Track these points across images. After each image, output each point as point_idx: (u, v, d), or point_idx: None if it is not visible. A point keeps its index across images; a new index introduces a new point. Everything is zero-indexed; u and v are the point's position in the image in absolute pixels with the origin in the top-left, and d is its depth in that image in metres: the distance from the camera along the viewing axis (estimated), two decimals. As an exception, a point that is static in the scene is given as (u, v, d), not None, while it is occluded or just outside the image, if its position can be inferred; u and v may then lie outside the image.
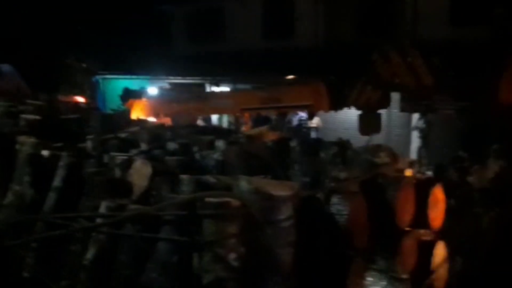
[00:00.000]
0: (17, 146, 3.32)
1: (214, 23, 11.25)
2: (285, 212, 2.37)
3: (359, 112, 7.88)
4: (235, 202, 2.29)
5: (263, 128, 4.74)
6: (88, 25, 11.58)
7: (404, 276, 3.08)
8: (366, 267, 2.73)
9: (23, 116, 3.83)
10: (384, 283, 2.91)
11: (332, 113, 8.69)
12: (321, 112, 8.53)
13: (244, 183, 2.42)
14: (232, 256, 2.24)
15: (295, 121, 8.95)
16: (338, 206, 2.58)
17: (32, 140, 3.26)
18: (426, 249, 3.29)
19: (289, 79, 9.19)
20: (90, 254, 2.48)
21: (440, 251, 3.37)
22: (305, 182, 2.89)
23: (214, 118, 10.02)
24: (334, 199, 2.60)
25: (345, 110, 8.38)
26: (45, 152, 3.22)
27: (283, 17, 10.41)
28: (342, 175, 2.81)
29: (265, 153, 3.29)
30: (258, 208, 2.36)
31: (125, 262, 2.40)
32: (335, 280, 2.54)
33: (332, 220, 2.56)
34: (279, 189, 2.43)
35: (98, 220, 2.54)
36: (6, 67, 5.07)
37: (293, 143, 3.49)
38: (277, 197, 2.37)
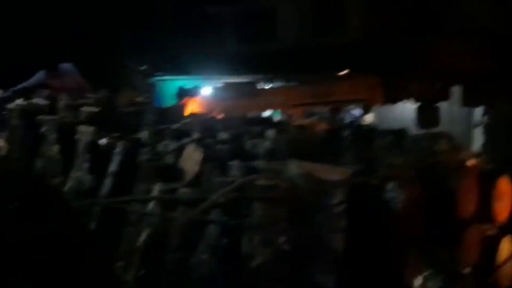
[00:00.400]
0: (77, 135, 3.47)
1: (264, 22, 11.28)
2: (337, 197, 2.30)
3: (416, 105, 7.59)
4: (284, 185, 2.27)
5: (314, 119, 4.69)
6: (144, 29, 11.97)
7: (465, 271, 2.91)
8: (422, 260, 2.60)
9: (83, 108, 4.00)
10: (442, 277, 2.75)
11: (386, 109, 8.45)
12: (375, 108, 8.31)
13: (293, 167, 2.39)
14: (281, 239, 2.21)
15: (347, 118, 8.78)
16: (393, 193, 2.48)
17: (90, 129, 3.40)
18: (491, 244, 3.09)
19: (341, 75, 9.03)
20: (143, 236, 2.54)
21: (506, 247, 3.16)
22: (357, 170, 2.80)
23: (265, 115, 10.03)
24: (389, 186, 2.50)
25: (401, 105, 8.12)
26: (102, 141, 3.35)
27: (333, 13, 10.25)
28: (398, 161, 2.71)
29: (316, 142, 3.25)
30: (308, 192, 2.32)
31: (176, 245, 2.43)
32: (387, 271, 2.44)
33: (386, 208, 2.46)
34: (331, 174, 2.38)
35: (151, 203, 2.59)
36: (67, 66, 5.36)
37: (345, 132, 3.41)
38: (328, 182, 2.31)
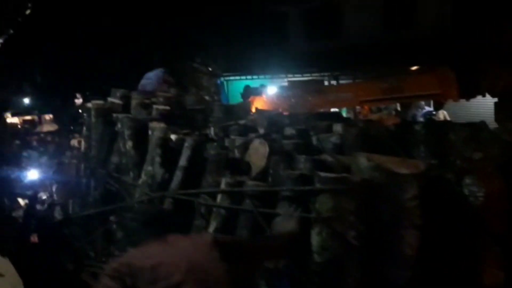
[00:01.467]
0: (149, 132, 3.60)
1: (331, 18, 11.08)
2: (410, 191, 2.20)
3: (495, 100, 7.09)
4: (354, 178, 2.20)
5: (383, 113, 4.51)
6: (210, 30, 12.24)
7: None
8: (504, 256, 2.41)
9: (155, 106, 4.14)
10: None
11: (461, 104, 7.98)
12: (449, 102, 7.86)
13: (363, 160, 2.32)
14: (351, 233, 2.15)
15: (419, 115, 8.36)
16: (472, 188, 2.33)
17: (162, 125, 3.51)
18: None
19: (412, 70, 8.64)
20: (211, 227, 2.58)
21: None
22: (432, 163, 2.66)
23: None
24: (468, 180, 2.35)
25: (477, 99, 7.62)
26: (173, 136, 3.44)
27: (404, 7, 9.83)
28: (477, 155, 2.53)
29: (386, 136, 3.12)
30: (379, 185, 2.23)
31: (244, 236, 2.44)
32: (466, 268, 2.29)
33: (465, 202, 2.31)
34: (403, 167, 2.27)
35: (220, 196, 2.62)
36: (161, 72, 5.64)
37: (417, 126, 3.25)
38: (400, 175, 2.22)
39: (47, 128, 11.89)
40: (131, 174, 3.64)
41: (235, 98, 10.90)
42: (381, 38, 9.61)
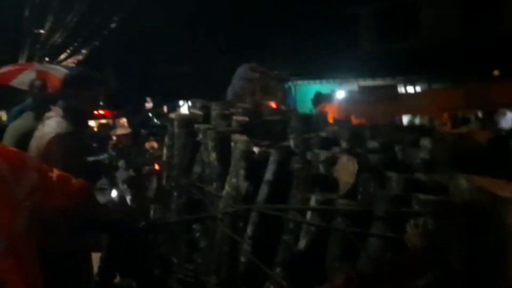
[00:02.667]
0: (232, 144, 3.68)
1: (406, 19, 10.67)
2: (515, 216, 2.09)
3: None
4: (455, 201, 2.12)
5: (473, 127, 4.30)
6: (278, 34, 12.34)
7: None
8: None
9: (235, 117, 4.23)
10: None
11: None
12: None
13: (463, 182, 2.23)
14: (451, 257, 2.07)
15: (503, 123, 7.88)
16: None
17: (244, 138, 3.58)
18: None
19: (495, 74, 8.17)
20: (301, 244, 2.59)
21: None
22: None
23: (404, 121, 9.56)
24: None
25: None
26: (255, 149, 3.50)
27: (486, 5, 9.25)
28: None
29: (480, 153, 2.98)
30: (481, 209, 2.14)
31: (335, 255, 2.43)
32: None
33: None
34: (507, 190, 2.16)
35: (309, 213, 2.63)
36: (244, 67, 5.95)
37: (513, 142, 3.07)
38: (505, 198, 2.11)
39: (120, 131, 12.50)
40: (214, 184, 3.75)
41: (303, 103, 10.90)
42: (460, 40, 9.15)
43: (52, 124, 2.93)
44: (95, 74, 4.16)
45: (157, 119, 14.74)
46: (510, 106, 7.22)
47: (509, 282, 2.06)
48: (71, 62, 12.10)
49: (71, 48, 12.18)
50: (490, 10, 8.96)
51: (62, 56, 13.15)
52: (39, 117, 4.05)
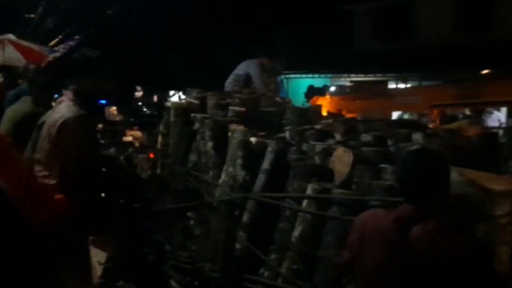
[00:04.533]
0: (229, 133, 3.75)
1: (400, 18, 10.80)
2: (504, 208, 2.19)
3: None
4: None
5: (463, 122, 4.41)
6: (273, 26, 12.36)
7: None
8: None
9: (231, 107, 4.28)
10: None
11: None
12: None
13: (455, 175, 2.32)
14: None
15: (489, 121, 8.04)
16: None
17: (242, 128, 3.65)
18: None
19: (485, 74, 8.31)
20: (297, 232, 2.67)
21: None
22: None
23: (394, 116, 9.70)
24: None
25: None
26: (252, 139, 3.57)
27: (479, 7, 9.40)
28: None
29: (471, 147, 3.08)
30: (472, 201, 2.23)
31: (330, 242, 2.52)
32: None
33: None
34: (497, 183, 2.26)
35: (305, 201, 2.71)
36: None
37: (503, 138, 3.19)
38: (494, 191, 2.21)
39: (111, 119, 12.39)
40: (211, 173, 3.81)
41: (296, 96, 10.98)
42: (453, 40, 9.29)
43: (62, 109, 2.91)
44: (101, 55, 4.12)
45: (147, 108, 14.69)
46: (498, 105, 7.40)
47: (496, 276, 2.16)
48: (62, 48, 12.00)
49: (63, 33, 12.08)
50: (483, 11, 9.15)
51: (53, 42, 13.04)
52: (37, 102, 4.06)
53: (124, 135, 9.05)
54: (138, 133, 9.16)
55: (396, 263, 2.01)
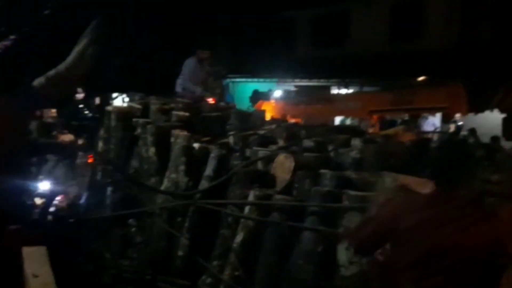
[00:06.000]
0: (172, 139, 3.69)
1: (338, 26, 11.13)
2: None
3: (502, 116, 7.22)
4: (380, 197, 2.30)
5: (399, 128, 4.63)
6: (218, 31, 12.34)
7: None
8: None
9: (175, 112, 4.22)
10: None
11: (469, 118, 8.09)
12: (457, 116, 7.98)
13: (389, 180, 2.42)
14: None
15: (425, 126, 8.49)
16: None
17: (185, 133, 3.60)
18: None
19: (419, 81, 8.76)
20: (238, 238, 2.68)
21: None
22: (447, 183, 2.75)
23: (336, 121, 9.99)
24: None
25: (485, 114, 7.73)
26: (196, 145, 3.54)
27: (412, 18, 9.89)
28: (494, 177, 2.64)
29: (404, 153, 3.23)
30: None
31: (271, 248, 2.55)
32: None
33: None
34: (425, 188, 2.38)
35: (247, 208, 2.72)
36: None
37: (433, 144, 3.36)
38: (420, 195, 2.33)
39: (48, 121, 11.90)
40: (153, 179, 3.73)
41: (241, 100, 11.01)
42: (386, 49, 9.70)
43: None
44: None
45: (88, 111, 14.18)
46: (430, 111, 7.82)
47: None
48: (-5, 47, 11.31)
49: (-5, 32, 11.39)
50: (414, 21, 9.67)
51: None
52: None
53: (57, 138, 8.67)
54: (70, 137, 8.82)
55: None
